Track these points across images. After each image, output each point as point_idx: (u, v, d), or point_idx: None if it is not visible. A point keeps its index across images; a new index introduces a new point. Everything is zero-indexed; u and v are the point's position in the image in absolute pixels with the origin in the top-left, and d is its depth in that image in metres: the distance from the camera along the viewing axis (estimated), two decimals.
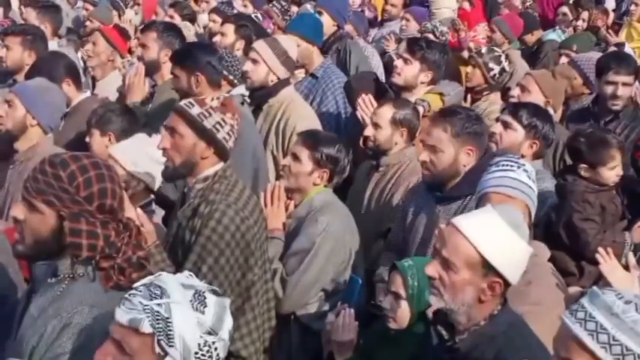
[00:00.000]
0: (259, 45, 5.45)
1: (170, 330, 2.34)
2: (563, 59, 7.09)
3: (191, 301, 2.39)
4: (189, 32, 7.48)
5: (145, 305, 2.35)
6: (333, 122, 6.09)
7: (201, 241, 3.57)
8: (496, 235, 2.75)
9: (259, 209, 3.87)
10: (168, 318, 2.34)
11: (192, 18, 9.40)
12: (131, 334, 2.36)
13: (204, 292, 2.42)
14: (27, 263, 3.64)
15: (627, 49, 7.85)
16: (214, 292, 2.45)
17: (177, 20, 8.68)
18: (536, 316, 3.24)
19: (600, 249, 3.82)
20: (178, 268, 3.53)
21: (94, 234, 2.66)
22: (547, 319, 3.17)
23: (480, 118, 4.21)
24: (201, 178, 3.68)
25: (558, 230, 4.54)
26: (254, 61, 5.36)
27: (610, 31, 9.32)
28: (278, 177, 4.50)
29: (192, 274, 2.51)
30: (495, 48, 6.64)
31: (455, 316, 2.80)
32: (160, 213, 4.34)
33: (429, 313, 3.19)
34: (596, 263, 3.83)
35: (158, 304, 2.35)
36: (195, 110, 3.62)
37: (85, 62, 7.06)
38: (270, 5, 8.95)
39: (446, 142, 3.99)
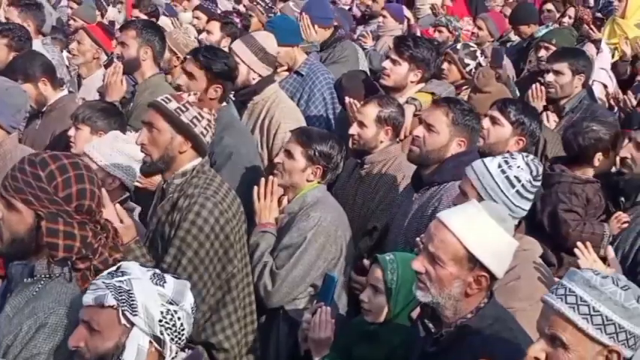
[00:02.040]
0: (236, 45, 5.37)
1: (133, 300, 2.48)
2: (542, 52, 7.07)
3: (151, 278, 2.54)
4: (190, 37, 7.21)
5: (108, 283, 2.50)
6: (322, 120, 6.07)
7: (180, 234, 3.61)
8: (482, 230, 2.77)
9: (237, 203, 3.90)
10: (129, 290, 2.49)
11: (156, 15, 9.26)
12: (98, 311, 2.50)
13: (163, 274, 2.58)
14: None
15: (603, 45, 7.88)
16: (174, 277, 2.59)
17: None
18: (528, 313, 3.24)
19: (579, 243, 3.89)
20: (158, 263, 3.54)
21: (70, 235, 2.69)
22: (538, 315, 3.17)
23: (478, 117, 4.26)
24: (179, 174, 3.71)
25: (542, 219, 4.63)
26: None
27: (592, 26, 9.31)
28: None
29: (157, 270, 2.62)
30: (470, 43, 6.65)
31: (441, 309, 2.82)
32: (136, 210, 4.29)
33: (413, 314, 3.19)
34: (574, 254, 3.95)
35: (119, 281, 2.51)
36: (173, 105, 3.67)
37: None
38: (255, 3, 8.92)
39: (443, 125, 4.03)
